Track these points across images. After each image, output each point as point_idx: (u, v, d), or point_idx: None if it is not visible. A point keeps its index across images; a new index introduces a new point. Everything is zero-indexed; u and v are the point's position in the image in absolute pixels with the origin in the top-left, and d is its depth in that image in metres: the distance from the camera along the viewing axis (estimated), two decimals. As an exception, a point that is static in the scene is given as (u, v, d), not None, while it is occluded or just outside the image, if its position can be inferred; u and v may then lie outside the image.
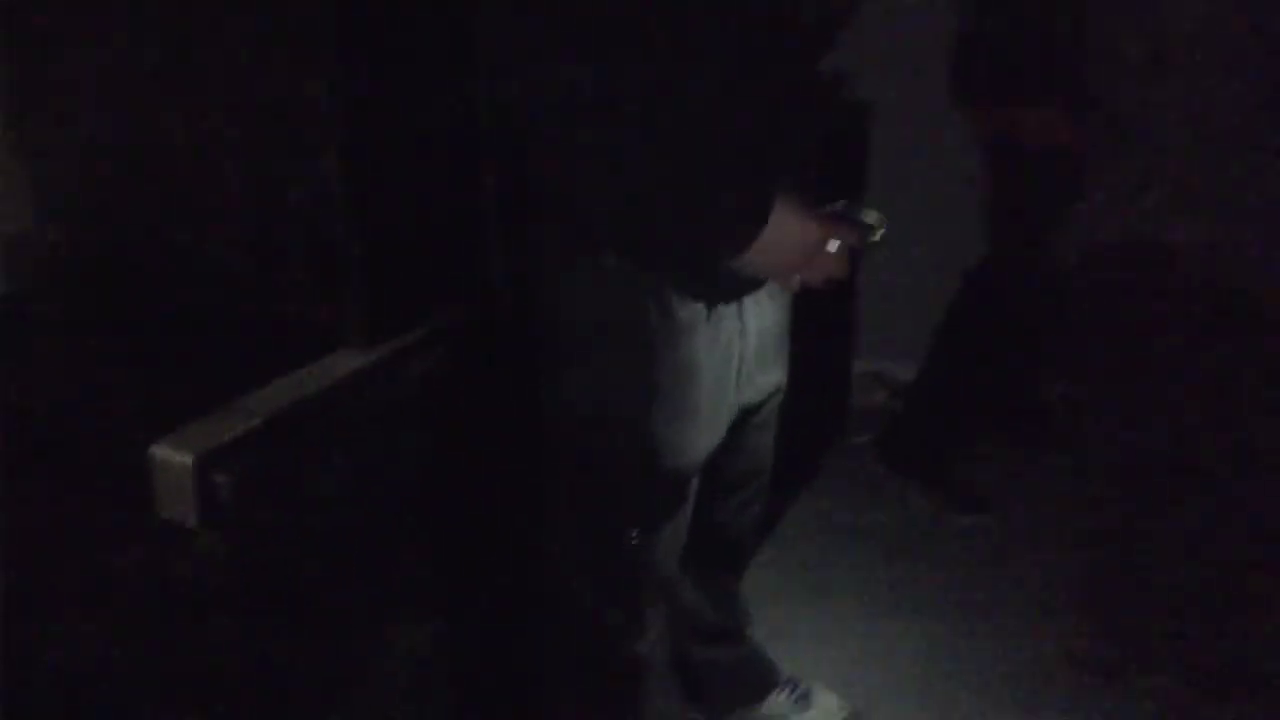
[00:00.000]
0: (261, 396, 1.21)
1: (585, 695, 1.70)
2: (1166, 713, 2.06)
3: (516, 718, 1.76)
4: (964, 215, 2.75)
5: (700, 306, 1.42)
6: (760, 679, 2.05)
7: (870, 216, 1.35)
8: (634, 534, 1.53)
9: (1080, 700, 2.10)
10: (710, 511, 1.75)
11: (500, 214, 1.50)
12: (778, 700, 2.04)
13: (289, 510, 1.19)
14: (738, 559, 1.97)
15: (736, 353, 1.51)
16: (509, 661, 1.71)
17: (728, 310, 1.46)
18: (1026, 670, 2.17)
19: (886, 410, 3.11)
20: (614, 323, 1.41)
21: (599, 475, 1.52)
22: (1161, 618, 2.30)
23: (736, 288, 1.46)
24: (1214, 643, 2.23)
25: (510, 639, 1.70)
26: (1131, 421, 2.99)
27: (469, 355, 1.49)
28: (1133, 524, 2.59)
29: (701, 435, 1.51)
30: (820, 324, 2.52)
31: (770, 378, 1.65)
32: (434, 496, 1.47)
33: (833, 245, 1.31)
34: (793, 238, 1.30)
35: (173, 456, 1.07)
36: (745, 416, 1.64)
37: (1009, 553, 2.54)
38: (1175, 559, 2.44)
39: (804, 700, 2.05)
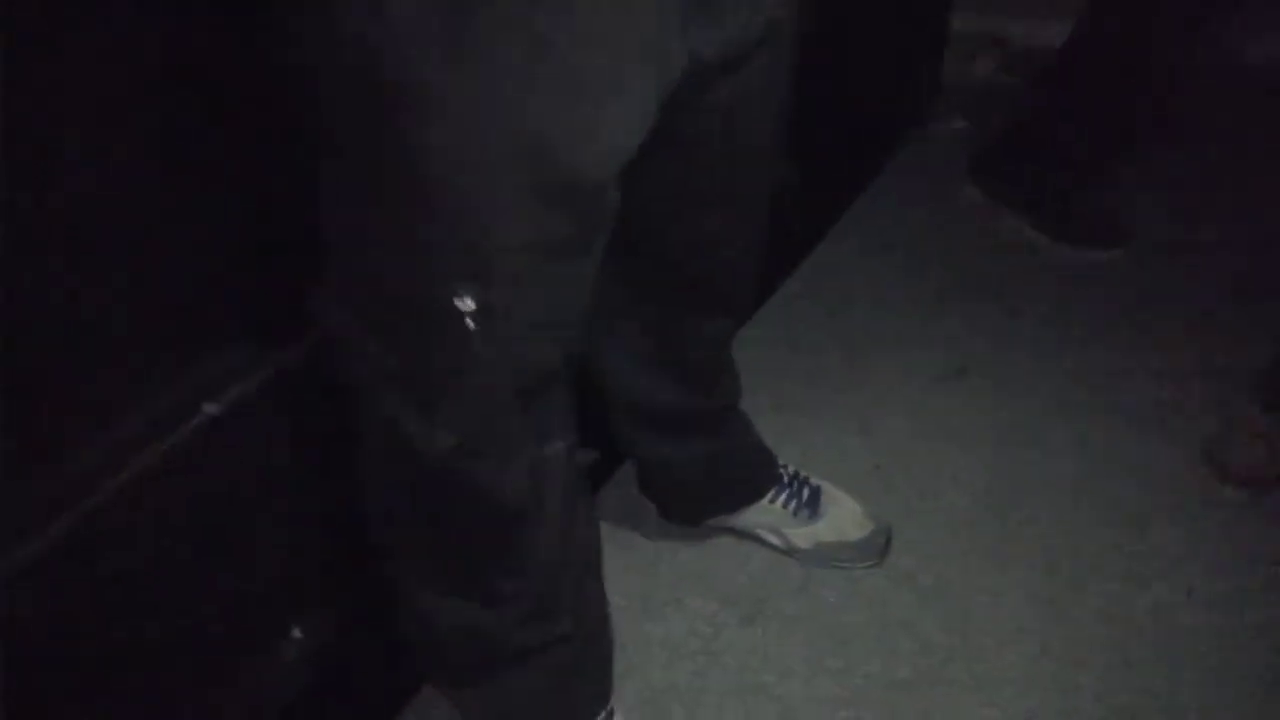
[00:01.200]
0: None
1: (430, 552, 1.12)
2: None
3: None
4: None
5: None
6: (748, 478, 1.51)
7: None
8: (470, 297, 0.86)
9: (1213, 523, 1.58)
10: (653, 233, 1.14)
11: None
12: (770, 508, 1.51)
13: None
14: (716, 300, 1.30)
15: None
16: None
17: None
18: (1138, 474, 1.67)
19: (993, 89, 2.46)
20: None
21: (413, 183, 0.82)
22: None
23: None
24: None
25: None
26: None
27: None
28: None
29: (610, 117, 0.84)
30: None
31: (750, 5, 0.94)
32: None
33: None
34: None
35: None
36: (698, 85, 0.94)
37: (1136, 305, 1.99)
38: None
39: (810, 508, 1.51)
